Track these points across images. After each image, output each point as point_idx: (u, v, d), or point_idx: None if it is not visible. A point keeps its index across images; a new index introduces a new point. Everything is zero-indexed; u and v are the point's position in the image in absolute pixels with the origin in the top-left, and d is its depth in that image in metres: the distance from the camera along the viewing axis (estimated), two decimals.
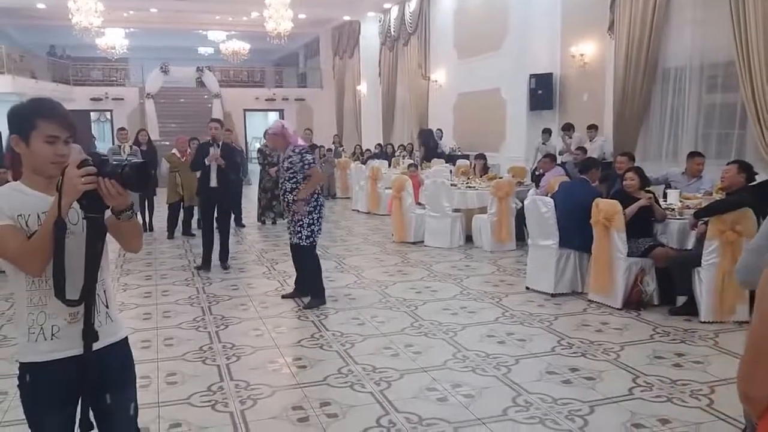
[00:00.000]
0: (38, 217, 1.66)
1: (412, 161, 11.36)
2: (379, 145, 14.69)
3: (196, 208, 8.50)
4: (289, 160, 4.88)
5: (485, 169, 9.00)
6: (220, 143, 6.62)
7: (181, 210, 8.60)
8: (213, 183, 6.60)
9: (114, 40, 18.80)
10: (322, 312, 4.89)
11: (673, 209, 5.24)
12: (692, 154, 6.13)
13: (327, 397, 3.31)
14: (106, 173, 1.58)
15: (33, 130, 1.66)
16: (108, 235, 1.72)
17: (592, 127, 8.78)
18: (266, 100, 20.36)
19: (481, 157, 9.27)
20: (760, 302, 1.12)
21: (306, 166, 4.89)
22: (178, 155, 8.54)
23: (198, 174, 6.79)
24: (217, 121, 6.93)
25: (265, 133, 9.96)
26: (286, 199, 4.97)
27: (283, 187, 4.97)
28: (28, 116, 1.67)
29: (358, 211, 11.00)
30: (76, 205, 1.62)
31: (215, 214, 6.63)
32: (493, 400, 3.27)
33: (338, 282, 5.88)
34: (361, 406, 3.22)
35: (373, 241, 8.09)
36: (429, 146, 12.86)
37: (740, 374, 1.18)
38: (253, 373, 3.69)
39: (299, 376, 3.64)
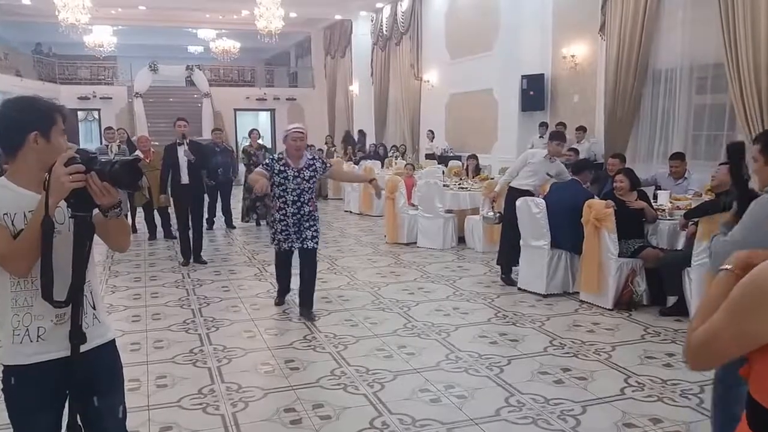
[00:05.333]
0: (25, 216, 1.63)
1: (406, 162, 11.35)
2: (374, 144, 14.70)
3: (170, 209, 8.44)
4: (312, 168, 4.69)
5: (477, 169, 9.02)
6: (188, 141, 6.66)
7: (155, 212, 8.36)
8: (184, 180, 6.57)
9: (102, 38, 18.57)
10: (315, 314, 4.85)
11: (664, 210, 5.27)
12: (672, 156, 6.27)
13: (320, 399, 3.29)
14: (94, 171, 1.55)
15: (54, 125, 1.68)
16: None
17: (581, 129, 8.83)
18: (257, 99, 20.23)
19: (473, 157, 9.29)
20: (725, 301, 1.14)
21: (325, 170, 4.82)
22: (141, 156, 8.18)
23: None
24: (183, 119, 6.87)
25: (251, 132, 9.89)
26: (305, 210, 4.66)
27: (307, 195, 4.66)
28: (48, 112, 1.69)
29: (351, 212, 10.97)
30: (62, 203, 1.59)
31: (189, 213, 6.62)
32: (486, 400, 3.26)
33: (331, 283, 5.84)
34: (355, 407, 3.20)
35: (365, 243, 8.07)
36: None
37: (692, 355, 1.22)
38: (244, 375, 3.65)
39: (291, 378, 3.61)
